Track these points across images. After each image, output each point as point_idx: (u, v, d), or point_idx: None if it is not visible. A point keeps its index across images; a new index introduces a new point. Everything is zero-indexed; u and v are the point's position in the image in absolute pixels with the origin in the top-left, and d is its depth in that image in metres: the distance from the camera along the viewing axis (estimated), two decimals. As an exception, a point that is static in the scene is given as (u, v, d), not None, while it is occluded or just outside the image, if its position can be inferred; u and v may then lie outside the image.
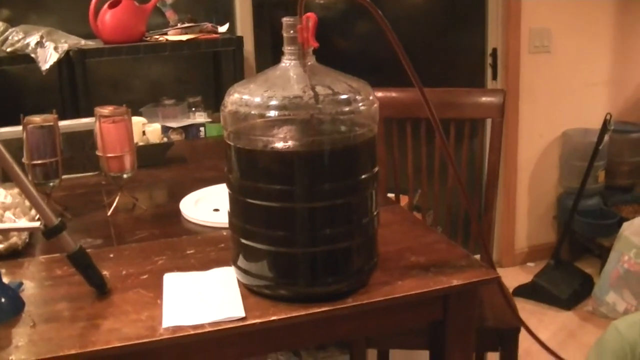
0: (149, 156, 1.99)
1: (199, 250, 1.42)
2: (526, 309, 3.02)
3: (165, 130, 2.44)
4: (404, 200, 2.39)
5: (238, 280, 1.23)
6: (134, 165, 1.66)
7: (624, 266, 2.84)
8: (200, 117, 2.59)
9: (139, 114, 2.48)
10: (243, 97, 1.12)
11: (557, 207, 3.49)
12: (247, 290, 1.21)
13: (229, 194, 1.20)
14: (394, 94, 2.05)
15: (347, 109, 1.11)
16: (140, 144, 2.01)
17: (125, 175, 1.65)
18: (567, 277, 3.10)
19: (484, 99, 2.01)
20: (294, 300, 1.17)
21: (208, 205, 1.64)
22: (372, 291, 1.21)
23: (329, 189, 1.11)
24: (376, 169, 1.19)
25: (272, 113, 1.08)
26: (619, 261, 2.87)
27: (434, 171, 2.09)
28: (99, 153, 1.64)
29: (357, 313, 1.19)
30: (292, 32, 1.14)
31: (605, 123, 2.92)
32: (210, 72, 2.85)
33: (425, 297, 1.23)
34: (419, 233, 1.47)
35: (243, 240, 1.18)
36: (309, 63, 1.14)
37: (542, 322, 2.94)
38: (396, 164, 2.14)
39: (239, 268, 1.22)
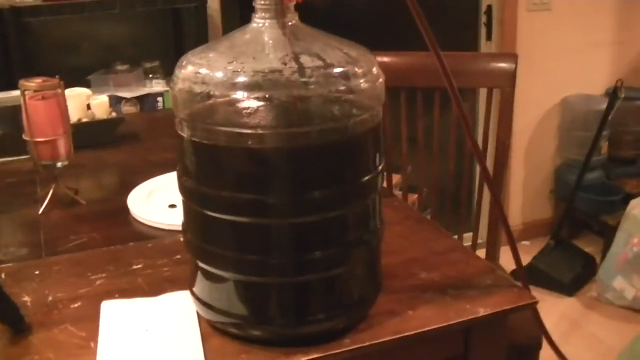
0: (95, 135, 1.66)
1: (148, 263, 1.11)
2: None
3: (118, 101, 2.11)
4: (396, 178, 2.11)
5: (198, 313, 0.93)
6: (70, 151, 1.34)
7: (633, 249, 2.56)
8: (157, 86, 2.24)
9: (87, 83, 2.14)
10: (199, 70, 0.80)
11: (554, 181, 3.21)
12: (211, 327, 0.91)
13: (183, 201, 0.89)
14: (386, 59, 1.74)
15: (343, 87, 0.79)
16: (84, 120, 1.68)
17: (59, 164, 1.33)
18: (569, 259, 2.83)
19: (492, 64, 1.70)
20: (273, 343, 0.87)
21: (163, 200, 1.32)
22: (375, 326, 0.91)
23: (318, 197, 0.80)
24: (381, 165, 0.89)
25: (240, 94, 0.76)
26: (628, 243, 2.59)
27: (432, 147, 1.79)
28: (26, 137, 1.31)
29: (356, 357, 0.89)
30: (265, -22, 0.82)
31: (616, 90, 2.62)
32: (170, 33, 2.49)
33: (444, 331, 0.93)
34: (428, 237, 1.18)
35: (202, 264, 0.88)
36: (290, 23, 0.83)
37: (542, 309, 2.61)
38: (387, 138, 1.84)
39: (197, 299, 0.91)
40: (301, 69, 0.76)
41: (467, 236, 1.91)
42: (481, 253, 1.88)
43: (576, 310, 2.68)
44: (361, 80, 0.81)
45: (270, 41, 0.81)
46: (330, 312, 0.87)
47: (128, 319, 0.95)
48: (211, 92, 0.77)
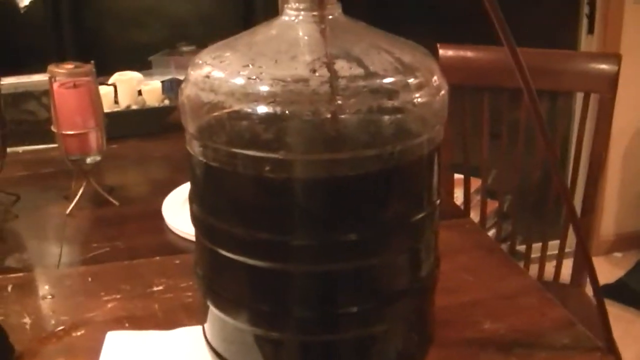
0: (143, 124, 1.53)
1: (170, 285, 0.96)
2: (611, 314, 2.47)
3: (178, 84, 1.97)
4: (475, 183, 1.92)
5: None
6: (102, 145, 1.21)
7: None
8: (223, 70, 2.09)
9: (148, 64, 2.02)
10: (211, 73, 0.63)
11: (654, 191, 2.93)
12: (223, 379, 0.76)
13: (195, 231, 0.73)
14: (469, 54, 1.54)
15: (389, 103, 0.62)
16: (134, 107, 1.55)
17: (89, 160, 1.20)
18: (664, 278, 2.58)
19: (590, 65, 1.48)
20: (293, 410, 0.71)
21: (201, 206, 1.17)
22: (421, 395, 0.74)
23: (355, 241, 0.63)
24: (438, 200, 0.71)
25: (258, 107, 0.60)
26: None
27: (516, 152, 1.59)
28: (53, 129, 1.19)
29: None
30: (300, -39, 0.65)
31: None
32: (240, 11, 2.34)
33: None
34: (499, 273, 0.99)
35: (213, 309, 0.72)
36: (331, 16, 0.65)
37: (630, 332, 2.43)
38: (467, 140, 1.65)
39: (209, 345, 0.76)
40: (333, 79, 0.59)
41: (553, 244, 1.72)
42: (568, 263, 1.69)
43: (669, 336, 2.43)
44: (415, 95, 0.63)
45: (302, 40, 0.64)
46: (365, 377, 0.70)
47: (131, 358, 0.80)
48: (220, 103, 0.61)
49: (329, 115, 0.59)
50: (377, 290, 0.67)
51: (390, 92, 0.61)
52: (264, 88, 0.59)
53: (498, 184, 2.00)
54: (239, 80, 0.60)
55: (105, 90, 1.48)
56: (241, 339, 0.70)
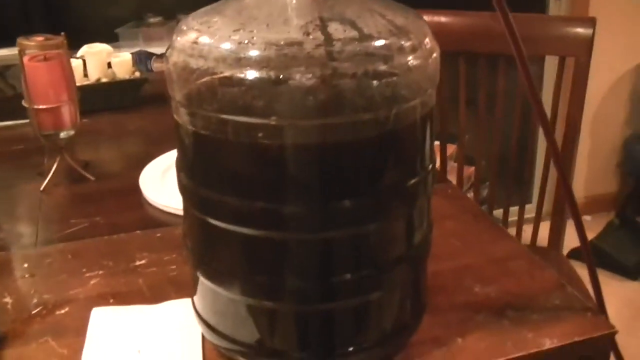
0: (115, 97, 1.50)
1: (153, 259, 0.95)
2: (584, 277, 2.52)
3: (148, 57, 1.94)
4: (451, 149, 1.92)
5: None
6: (76, 119, 1.18)
7: None
8: (193, 41, 2.06)
9: (115, 36, 1.97)
10: (199, 39, 0.61)
11: (622, 153, 2.95)
12: (216, 350, 0.75)
13: (183, 202, 0.72)
14: (443, 19, 1.52)
15: (384, 66, 0.60)
16: (104, 80, 1.51)
17: (63, 134, 1.17)
18: (634, 240, 2.60)
19: (566, 29, 1.48)
20: (289, 381, 0.70)
21: (180, 179, 1.15)
22: (415, 358, 0.74)
23: (350, 208, 0.62)
24: (432, 165, 0.70)
25: (246, 72, 0.58)
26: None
27: (494, 115, 1.59)
28: (25, 104, 1.15)
29: (391, 400, 0.72)
30: None
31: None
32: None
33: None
34: (486, 238, 0.98)
35: (204, 280, 0.71)
36: (320, -21, 0.63)
37: (604, 294, 2.45)
38: (444, 106, 1.64)
39: (200, 317, 0.75)
40: (328, 42, 0.57)
41: (529, 207, 1.72)
42: (545, 226, 1.70)
43: (641, 296, 2.47)
44: (409, 57, 0.62)
45: (293, 2, 0.62)
46: (361, 345, 0.69)
47: (119, 334, 0.79)
48: (210, 69, 0.59)
49: (323, 80, 0.57)
50: (373, 257, 0.66)
51: (385, 55, 0.59)
52: (257, 52, 0.57)
53: (471, 149, 2.01)
54: (230, 45, 0.58)
55: (74, 64, 1.45)
56: (234, 310, 0.69)
